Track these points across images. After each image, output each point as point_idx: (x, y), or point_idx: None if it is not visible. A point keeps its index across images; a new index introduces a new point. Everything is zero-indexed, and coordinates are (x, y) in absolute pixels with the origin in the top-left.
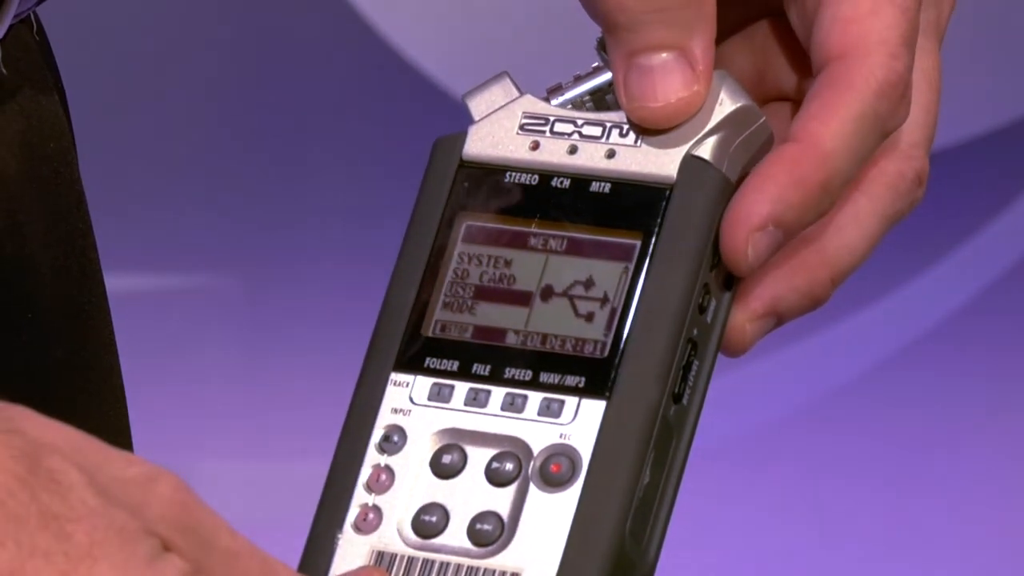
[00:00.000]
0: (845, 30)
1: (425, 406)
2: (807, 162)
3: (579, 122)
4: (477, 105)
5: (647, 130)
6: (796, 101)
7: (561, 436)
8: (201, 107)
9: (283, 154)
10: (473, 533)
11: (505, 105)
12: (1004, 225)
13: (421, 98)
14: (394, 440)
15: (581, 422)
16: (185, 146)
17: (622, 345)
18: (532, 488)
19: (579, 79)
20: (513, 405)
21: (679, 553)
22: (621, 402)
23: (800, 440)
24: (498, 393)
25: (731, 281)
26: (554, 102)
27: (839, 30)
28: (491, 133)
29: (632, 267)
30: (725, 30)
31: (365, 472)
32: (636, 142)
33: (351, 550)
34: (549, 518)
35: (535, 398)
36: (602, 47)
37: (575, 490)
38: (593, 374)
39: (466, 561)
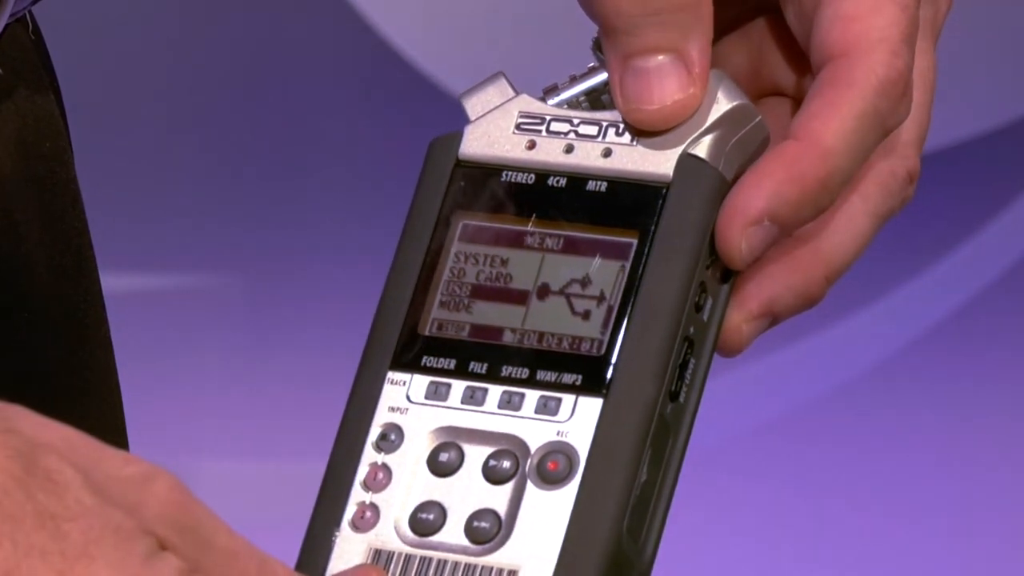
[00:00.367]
0: (846, 28)
1: (422, 404)
2: (807, 159)
3: (575, 121)
4: (473, 105)
5: (644, 130)
6: (791, 97)
7: (558, 434)
8: (199, 106)
9: (281, 153)
10: (470, 531)
11: (501, 105)
12: (1004, 225)
13: (421, 98)
14: (391, 438)
15: (578, 420)
16: (181, 145)
17: (619, 343)
18: (529, 486)
19: (575, 79)
20: (510, 403)
21: (676, 551)
22: (618, 400)
23: (800, 440)
24: (495, 391)
25: (728, 279)
26: (550, 102)
27: (840, 28)
28: (487, 133)
29: (629, 265)
30: (721, 28)
31: (362, 470)
32: (632, 141)
33: (349, 548)
34: (546, 516)
35: (532, 396)
36: (598, 47)
37: (572, 488)
38: (590, 372)
39: (463, 559)
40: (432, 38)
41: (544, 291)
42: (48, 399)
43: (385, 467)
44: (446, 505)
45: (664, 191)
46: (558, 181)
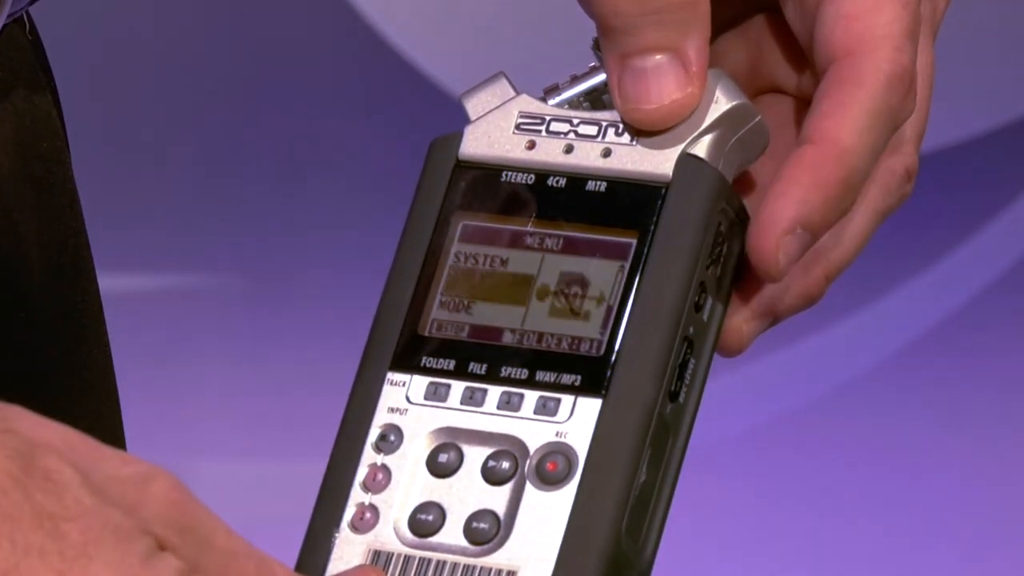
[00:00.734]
0: (849, 27)
1: (421, 405)
2: (827, 162)
3: (575, 121)
4: (473, 105)
5: (643, 129)
6: (790, 94)
7: (557, 434)
8: (198, 106)
9: (281, 154)
10: (470, 532)
11: (501, 105)
12: (1004, 225)
13: (421, 98)
14: (390, 439)
15: (577, 420)
16: (180, 145)
17: (618, 343)
18: (528, 486)
19: (575, 79)
20: (509, 404)
21: (676, 551)
22: (617, 400)
23: (799, 440)
24: (494, 392)
25: (727, 278)
26: (550, 102)
27: (843, 27)
28: (487, 133)
29: (628, 266)
30: (720, 26)
31: (362, 471)
32: (632, 141)
33: (348, 549)
34: (545, 516)
35: (531, 396)
36: (598, 47)
37: (571, 488)
38: (589, 372)
39: (463, 560)
40: (432, 38)
41: (544, 291)
42: (46, 399)
43: (384, 468)
44: (445, 506)
45: (663, 191)
46: (558, 181)
